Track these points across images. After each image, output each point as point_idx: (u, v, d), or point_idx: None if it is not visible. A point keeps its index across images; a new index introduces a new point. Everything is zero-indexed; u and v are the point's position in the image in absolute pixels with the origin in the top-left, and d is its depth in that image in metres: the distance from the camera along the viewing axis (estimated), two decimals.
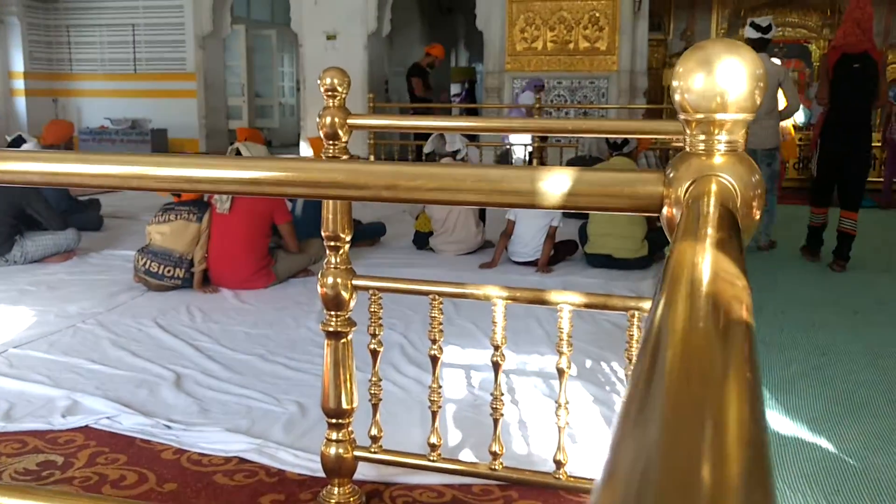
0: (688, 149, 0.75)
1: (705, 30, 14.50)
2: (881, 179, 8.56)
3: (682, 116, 0.75)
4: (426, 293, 2.12)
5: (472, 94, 17.58)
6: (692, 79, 0.72)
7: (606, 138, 5.77)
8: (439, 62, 9.54)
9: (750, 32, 5.91)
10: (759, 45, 5.90)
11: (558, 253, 5.43)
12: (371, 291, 2.14)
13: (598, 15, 11.36)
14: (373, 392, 2.21)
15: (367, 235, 6.06)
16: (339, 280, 2.11)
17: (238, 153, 4.77)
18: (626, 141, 5.50)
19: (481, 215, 5.92)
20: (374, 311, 2.16)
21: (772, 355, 3.63)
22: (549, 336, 3.88)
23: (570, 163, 7.49)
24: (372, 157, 8.85)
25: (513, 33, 11.72)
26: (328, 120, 2.06)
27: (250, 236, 4.71)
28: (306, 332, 3.92)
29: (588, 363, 3.51)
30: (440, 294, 2.10)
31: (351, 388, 2.17)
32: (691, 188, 0.73)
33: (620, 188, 0.79)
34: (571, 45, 11.55)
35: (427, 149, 5.75)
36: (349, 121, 2.07)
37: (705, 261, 0.53)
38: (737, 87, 0.71)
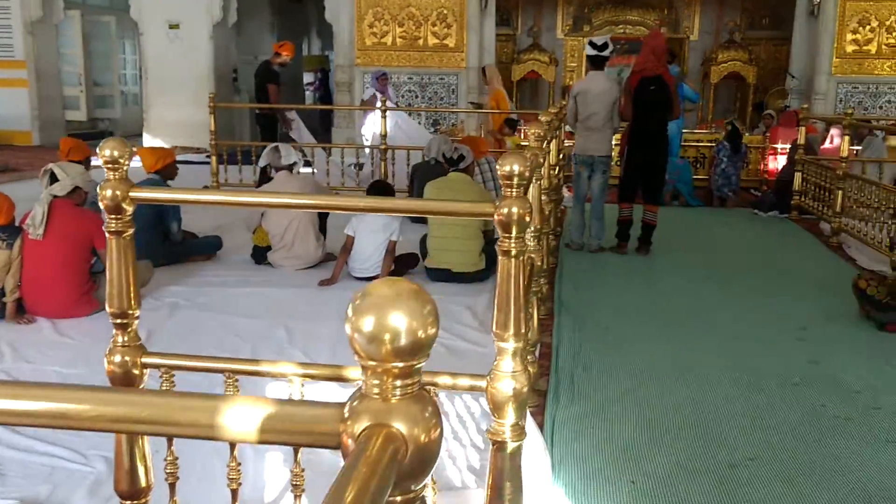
0: (364, 390, 0.75)
1: (552, 25, 14.90)
2: (706, 178, 9.10)
3: (356, 359, 0.74)
4: (220, 371, 2.05)
5: (325, 83, 17.32)
6: (362, 326, 0.71)
7: (444, 154, 5.83)
8: (291, 59, 9.32)
9: (588, 50, 6.21)
10: (596, 63, 6.18)
11: (399, 266, 5.43)
12: (162, 370, 2.05)
13: (445, 12, 11.42)
14: (169, 471, 2.13)
15: (203, 249, 5.86)
16: (127, 358, 2.01)
17: (52, 175, 4.48)
18: (461, 156, 5.56)
19: (322, 228, 5.84)
20: (167, 391, 2.07)
21: (592, 378, 3.77)
22: None
23: (415, 168, 7.50)
24: (213, 159, 8.56)
25: (362, 28, 11.62)
26: (109, 193, 1.94)
27: (68, 262, 4.45)
28: None
29: None
30: (234, 372, 2.03)
31: (146, 467, 2.08)
32: (365, 430, 0.72)
33: (302, 425, 0.77)
34: (420, 42, 11.58)
35: (262, 163, 5.60)
36: (132, 193, 1.96)
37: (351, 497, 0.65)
38: (403, 337, 0.70)
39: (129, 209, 1.99)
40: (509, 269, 1.89)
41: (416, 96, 11.71)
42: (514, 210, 1.87)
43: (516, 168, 1.90)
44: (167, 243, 5.59)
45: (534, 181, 3.33)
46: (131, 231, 2.01)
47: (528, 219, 1.92)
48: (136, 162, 5.16)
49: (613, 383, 3.74)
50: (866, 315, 4.61)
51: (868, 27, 10.92)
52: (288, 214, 5.54)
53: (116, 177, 1.96)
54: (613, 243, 6.45)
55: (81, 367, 3.79)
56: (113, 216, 1.97)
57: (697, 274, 5.91)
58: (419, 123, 10.91)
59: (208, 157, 9.98)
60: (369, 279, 5.29)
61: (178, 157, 11.69)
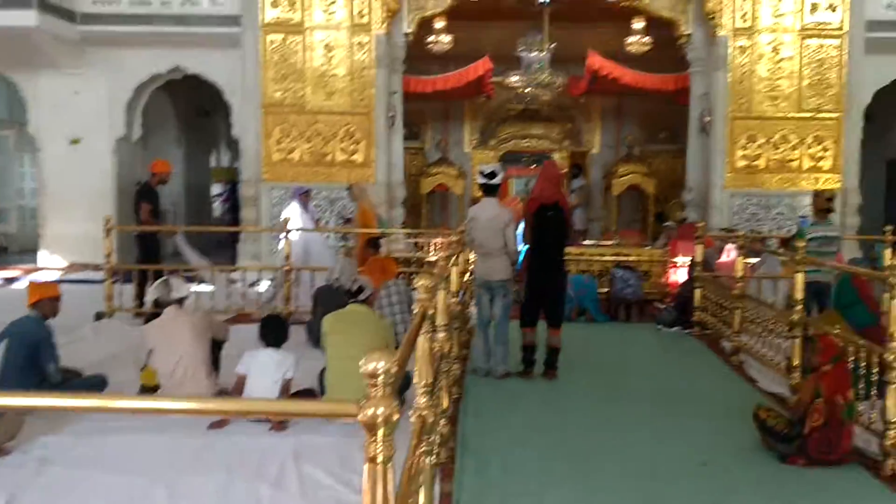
0: None
1: (459, 139, 15.27)
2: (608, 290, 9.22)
3: None
4: None
5: (234, 194, 17.15)
6: None
7: (340, 286, 5.70)
8: (168, 176, 9.12)
9: (479, 178, 6.29)
10: (487, 190, 6.27)
11: None
12: None
13: (353, 129, 11.54)
14: None
15: (86, 390, 5.48)
16: None
17: None
18: (360, 288, 5.44)
19: (214, 362, 5.56)
20: None
21: None
22: None
23: (319, 291, 7.35)
24: (107, 283, 8.21)
25: (269, 144, 11.61)
26: None
27: None
28: None
29: None
30: None
31: None
32: None
33: None
34: (329, 157, 11.62)
35: (150, 296, 5.36)
36: None
37: None
38: None
39: None
40: (375, 476, 1.74)
41: (325, 210, 11.62)
42: (380, 412, 1.74)
43: (381, 366, 1.78)
44: (44, 385, 5.21)
45: (422, 332, 3.22)
46: None
47: (396, 417, 1.79)
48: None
49: None
50: (767, 447, 4.59)
51: (756, 143, 11.49)
52: (177, 350, 5.27)
53: None
54: (520, 368, 6.37)
55: None
56: None
57: (602, 399, 5.84)
58: (327, 238, 10.77)
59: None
60: (264, 420, 5.03)
61: (76, 276, 11.26)
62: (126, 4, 11.90)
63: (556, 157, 15.36)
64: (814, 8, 11.42)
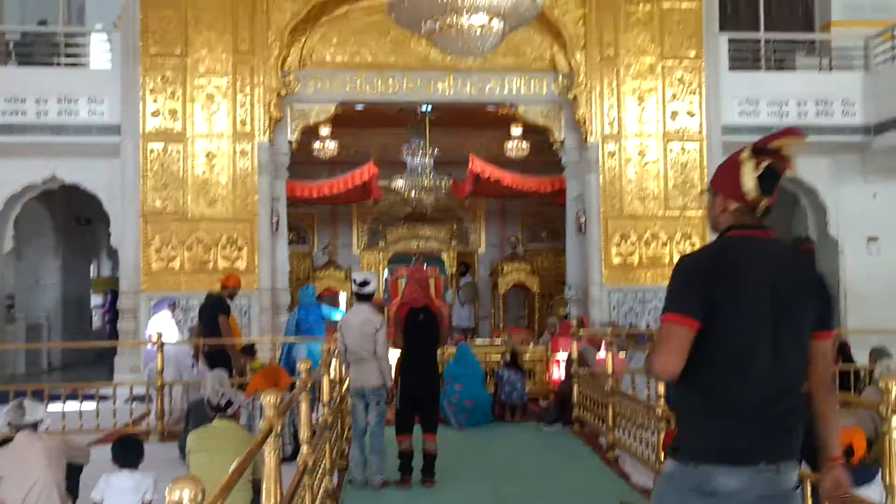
0: None
1: (348, 242, 15.39)
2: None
3: None
4: None
5: (115, 305, 16.59)
6: None
7: (208, 400, 5.55)
8: (238, 289, 9.00)
9: (353, 286, 6.35)
10: (360, 297, 6.33)
11: None
12: None
13: (235, 235, 11.48)
14: None
15: None
16: None
17: None
18: (228, 402, 5.32)
19: (71, 488, 5.25)
20: None
21: None
22: None
23: (192, 405, 7.12)
24: None
25: (148, 253, 11.41)
26: None
27: None
28: None
29: None
30: None
31: None
32: None
33: None
34: (210, 265, 11.46)
35: (1, 422, 5.07)
36: None
37: None
38: None
39: None
40: None
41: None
42: None
43: (186, 494, 1.76)
44: None
45: (269, 449, 3.18)
46: None
47: None
48: None
49: None
50: None
51: (629, 241, 12.02)
52: (29, 477, 4.95)
53: None
54: (398, 476, 6.29)
55: None
56: None
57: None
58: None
59: None
60: None
61: None
62: None
63: (445, 257, 15.69)
64: (674, 115, 12.22)
